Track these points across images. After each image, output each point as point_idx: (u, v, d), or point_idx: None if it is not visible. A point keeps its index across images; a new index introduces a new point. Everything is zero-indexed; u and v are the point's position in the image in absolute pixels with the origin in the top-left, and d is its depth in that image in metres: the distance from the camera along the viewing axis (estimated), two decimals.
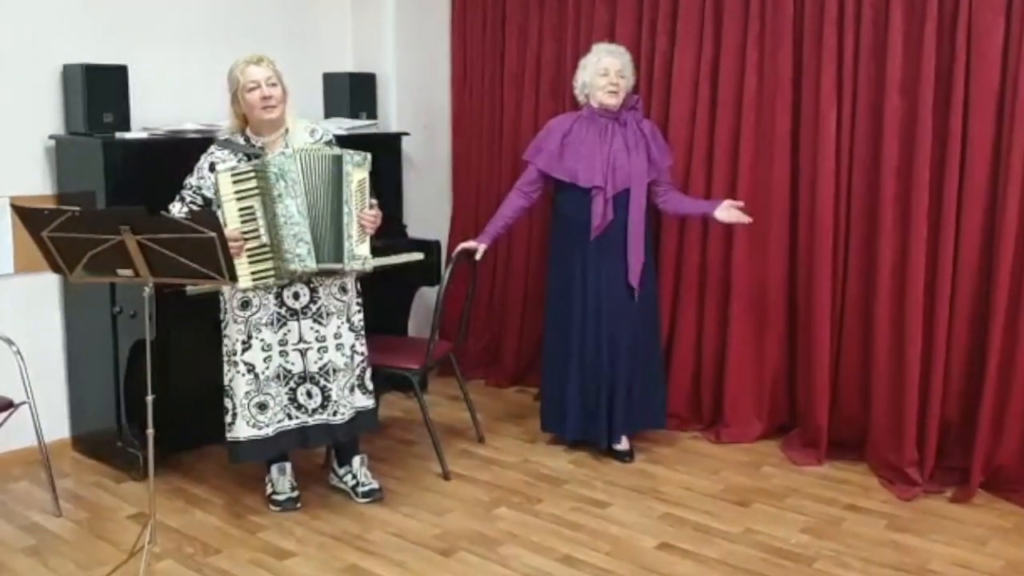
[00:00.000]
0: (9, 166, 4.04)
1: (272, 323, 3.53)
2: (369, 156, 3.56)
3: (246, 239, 3.39)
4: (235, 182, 3.39)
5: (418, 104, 5.42)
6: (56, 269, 3.09)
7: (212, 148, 3.55)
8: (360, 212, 3.51)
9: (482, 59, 5.30)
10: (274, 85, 3.46)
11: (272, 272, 3.44)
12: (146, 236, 2.92)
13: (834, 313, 4.18)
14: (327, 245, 3.48)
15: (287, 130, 3.56)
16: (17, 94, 4.05)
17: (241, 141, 3.54)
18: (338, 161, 3.48)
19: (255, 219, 3.41)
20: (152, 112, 4.31)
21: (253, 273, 3.42)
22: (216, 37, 4.65)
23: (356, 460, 3.87)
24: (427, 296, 5.04)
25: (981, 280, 3.84)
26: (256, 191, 3.40)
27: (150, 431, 3.17)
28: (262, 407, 3.55)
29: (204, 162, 3.52)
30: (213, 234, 2.91)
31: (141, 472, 3.91)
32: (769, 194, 4.32)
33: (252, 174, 3.39)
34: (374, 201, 3.58)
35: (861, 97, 4.05)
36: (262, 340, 3.53)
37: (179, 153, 4.14)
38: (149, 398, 3.15)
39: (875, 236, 4.04)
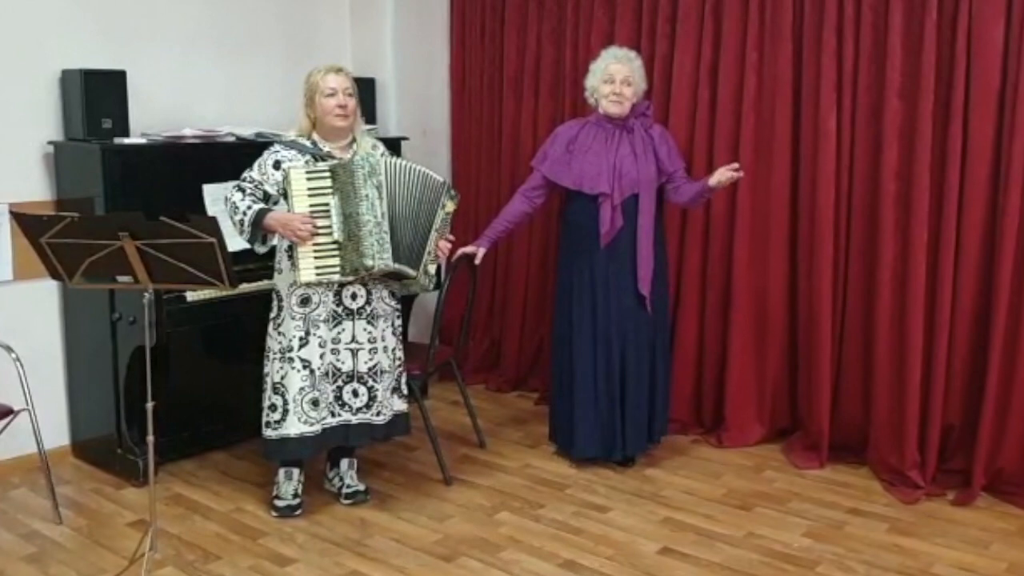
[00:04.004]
0: (8, 172, 4.03)
1: (328, 320, 3.59)
2: (458, 195, 3.80)
3: (316, 232, 3.45)
4: (309, 179, 3.46)
5: (417, 109, 5.43)
6: (55, 276, 3.08)
7: (276, 146, 3.61)
8: (440, 238, 3.68)
9: (481, 64, 5.29)
10: (350, 96, 3.58)
11: (337, 269, 3.50)
12: (145, 242, 2.92)
13: (835, 316, 4.18)
14: (406, 251, 3.57)
15: (354, 139, 3.66)
16: (16, 100, 4.05)
17: (308, 144, 3.60)
18: (441, 188, 3.65)
19: (328, 216, 3.46)
20: (151, 118, 4.32)
21: (318, 268, 3.48)
22: (215, 42, 4.66)
23: (344, 463, 3.91)
24: (427, 301, 5.03)
25: (982, 282, 3.83)
26: (331, 189, 3.46)
27: (150, 438, 3.17)
28: (315, 403, 3.59)
29: (268, 158, 3.58)
30: (212, 239, 2.91)
31: (141, 479, 3.91)
32: (769, 197, 4.31)
33: (328, 174, 3.46)
34: (452, 238, 3.76)
35: (861, 100, 4.04)
36: (319, 337, 3.58)
37: (178, 159, 4.17)
38: (149, 405, 3.15)
39: (876, 238, 4.03)
